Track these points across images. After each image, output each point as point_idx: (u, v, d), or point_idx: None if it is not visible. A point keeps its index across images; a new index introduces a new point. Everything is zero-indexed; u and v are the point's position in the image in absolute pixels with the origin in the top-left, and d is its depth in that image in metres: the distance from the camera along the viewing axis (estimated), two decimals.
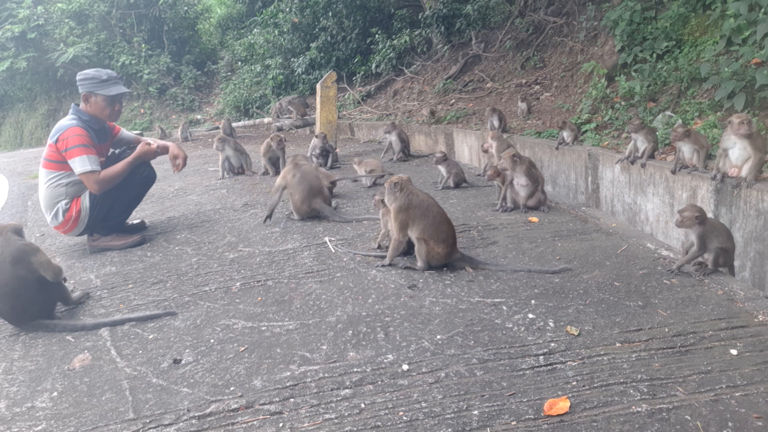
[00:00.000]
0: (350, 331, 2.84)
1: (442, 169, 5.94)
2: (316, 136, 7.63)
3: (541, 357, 2.50)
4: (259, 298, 3.33)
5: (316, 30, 14.28)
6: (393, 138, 7.80)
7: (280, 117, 12.80)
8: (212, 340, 2.85)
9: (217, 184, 6.92)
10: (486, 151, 6.21)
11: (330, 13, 13.75)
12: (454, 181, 5.89)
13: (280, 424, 2.15)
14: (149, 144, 4.61)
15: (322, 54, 14.01)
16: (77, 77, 4.44)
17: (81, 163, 4.23)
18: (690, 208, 3.38)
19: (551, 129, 7.21)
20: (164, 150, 4.71)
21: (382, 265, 3.68)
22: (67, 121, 4.35)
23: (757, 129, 4.26)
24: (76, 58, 17.08)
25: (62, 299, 3.35)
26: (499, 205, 4.95)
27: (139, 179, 4.66)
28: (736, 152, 4.12)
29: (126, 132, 5.01)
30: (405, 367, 2.48)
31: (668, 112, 6.08)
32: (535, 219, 4.62)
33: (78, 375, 2.62)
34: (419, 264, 3.58)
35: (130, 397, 2.40)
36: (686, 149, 4.57)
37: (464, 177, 5.99)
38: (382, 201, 3.80)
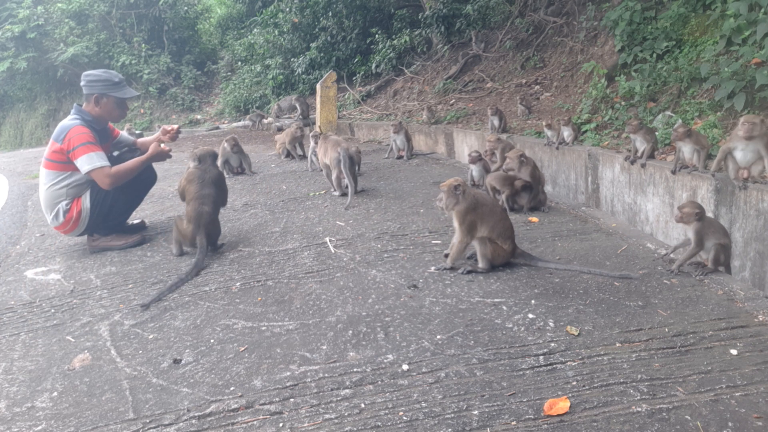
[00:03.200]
0: (350, 331, 2.84)
1: (474, 168, 5.77)
2: (312, 137, 7.56)
3: (541, 357, 2.50)
4: (259, 298, 3.33)
5: (316, 30, 14.27)
6: (399, 138, 7.83)
7: (280, 117, 12.81)
8: (212, 340, 2.85)
9: None
10: (489, 156, 6.20)
11: (330, 13, 13.74)
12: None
13: (280, 424, 2.15)
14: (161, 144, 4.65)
15: (322, 54, 14.00)
16: (85, 78, 4.44)
17: (89, 160, 4.23)
18: (689, 205, 3.40)
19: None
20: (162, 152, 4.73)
21: (444, 268, 3.57)
22: (70, 120, 4.36)
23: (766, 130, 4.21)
24: (76, 58, 17.08)
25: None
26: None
27: (139, 180, 4.66)
28: (748, 155, 4.08)
29: (125, 134, 5.03)
30: (405, 367, 2.48)
31: (668, 112, 6.08)
32: (535, 219, 4.62)
33: (78, 375, 2.62)
34: (482, 265, 3.51)
35: (130, 397, 2.40)
36: (686, 149, 4.57)
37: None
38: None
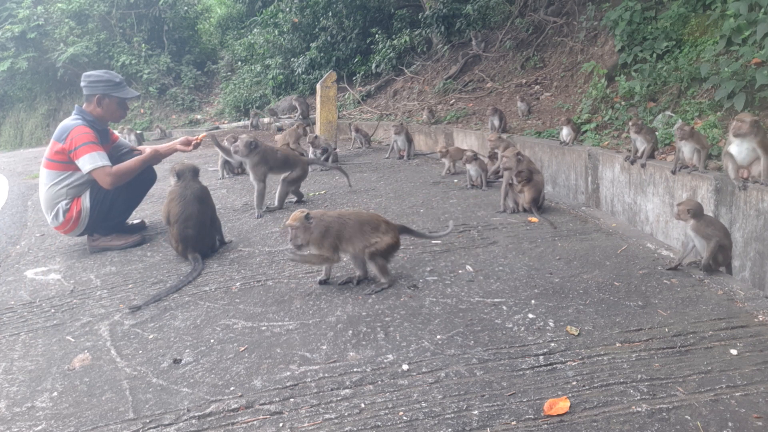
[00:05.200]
0: (350, 331, 2.84)
1: (471, 168, 5.80)
2: (310, 142, 7.54)
3: (541, 357, 2.50)
4: (259, 298, 3.33)
5: (316, 30, 14.27)
6: (401, 138, 7.84)
7: (279, 117, 12.80)
8: (212, 340, 2.85)
9: (217, 184, 6.92)
10: (491, 157, 6.21)
11: (330, 13, 13.75)
12: (486, 182, 5.81)
13: (280, 424, 2.15)
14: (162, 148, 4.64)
15: (322, 54, 14.01)
16: (86, 78, 4.45)
17: (90, 160, 4.24)
18: (686, 202, 3.40)
19: (551, 129, 7.21)
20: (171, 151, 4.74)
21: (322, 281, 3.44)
22: (72, 120, 4.37)
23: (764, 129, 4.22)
24: (76, 58, 17.08)
25: (220, 235, 4.39)
26: (502, 207, 4.92)
27: (139, 180, 4.66)
28: (743, 152, 4.09)
29: (123, 140, 5.05)
30: (405, 367, 2.48)
31: (668, 112, 6.08)
32: (535, 219, 4.62)
33: (78, 375, 2.62)
34: (384, 281, 3.33)
35: (130, 397, 2.40)
36: (686, 149, 4.57)
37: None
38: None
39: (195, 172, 4.26)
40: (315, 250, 3.29)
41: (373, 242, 3.27)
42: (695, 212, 3.33)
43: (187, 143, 4.72)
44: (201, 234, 4.07)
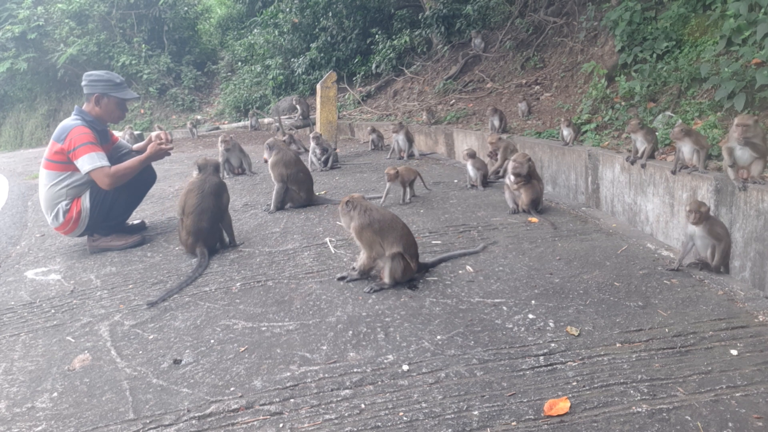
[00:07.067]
0: (350, 332, 2.84)
1: (469, 167, 5.80)
2: (313, 138, 7.54)
3: (541, 357, 2.50)
4: (259, 299, 3.33)
5: (316, 30, 14.28)
6: (400, 138, 7.83)
7: (278, 118, 12.79)
8: (212, 341, 2.85)
9: None
10: (491, 156, 6.19)
11: (330, 14, 13.75)
12: (482, 182, 5.79)
13: (280, 425, 2.15)
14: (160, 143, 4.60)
15: (322, 54, 14.01)
16: (87, 78, 4.45)
17: (90, 160, 4.24)
18: (702, 204, 3.42)
19: (551, 129, 7.21)
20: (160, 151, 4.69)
21: (353, 279, 3.49)
22: (72, 121, 4.37)
23: (762, 131, 4.22)
24: (76, 58, 17.08)
25: (229, 233, 4.37)
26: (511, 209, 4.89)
27: (139, 180, 4.66)
28: (746, 153, 4.09)
29: (123, 141, 5.04)
30: (405, 367, 2.48)
31: (668, 112, 6.08)
32: (535, 219, 4.62)
33: (78, 375, 2.62)
34: (387, 281, 3.36)
35: (130, 397, 2.40)
36: (686, 149, 4.57)
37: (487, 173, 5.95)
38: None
39: (216, 167, 4.38)
40: (356, 240, 3.43)
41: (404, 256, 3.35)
42: (708, 212, 3.36)
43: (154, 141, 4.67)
44: (213, 228, 4.15)
